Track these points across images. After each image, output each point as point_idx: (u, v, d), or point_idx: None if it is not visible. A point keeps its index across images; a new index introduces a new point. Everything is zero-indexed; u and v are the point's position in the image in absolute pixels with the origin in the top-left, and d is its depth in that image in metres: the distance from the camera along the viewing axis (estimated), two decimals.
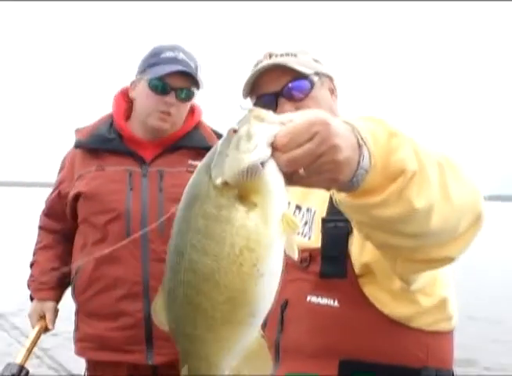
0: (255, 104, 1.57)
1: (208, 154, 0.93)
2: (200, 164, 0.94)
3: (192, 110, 2.43)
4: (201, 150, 2.33)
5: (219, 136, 2.31)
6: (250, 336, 0.92)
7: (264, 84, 1.54)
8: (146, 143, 2.35)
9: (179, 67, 2.24)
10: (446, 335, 1.42)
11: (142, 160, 2.33)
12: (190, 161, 2.31)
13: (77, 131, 2.43)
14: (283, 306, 1.42)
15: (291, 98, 1.52)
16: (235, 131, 0.90)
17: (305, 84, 1.53)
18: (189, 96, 2.31)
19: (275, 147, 0.89)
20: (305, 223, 1.47)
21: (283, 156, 0.88)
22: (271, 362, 0.95)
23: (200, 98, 2.42)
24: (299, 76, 1.52)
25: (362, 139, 0.95)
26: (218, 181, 0.88)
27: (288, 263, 0.96)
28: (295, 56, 1.54)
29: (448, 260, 1.16)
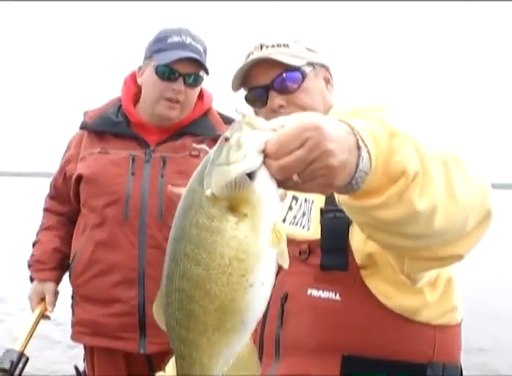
0: (247, 97, 1.56)
1: (203, 162, 0.93)
2: (195, 171, 0.94)
3: (202, 97, 2.39)
4: (207, 138, 2.29)
5: (228, 121, 2.28)
6: (241, 342, 0.94)
7: (254, 76, 1.52)
8: (152, 128, 2.33)
9: (187, 53, 2.19)
10: (453, 329, 1.39)
11: (146, 145, 2.31)
12: (194, 145, 2.24)
13: (86, 113, 2.42)
14: (282, 300, 1.38)
15: (281, 91, 1.49)
16: (227, 139, 0.90)
17: (296, 76, 1.49)
18: (198, 82, 2.27)
19: (266, 155, 0.88)
20: (303, 214, 1.43)
21: (274, 163, 0.88)
22: (259, 369, 0.97)
23: (209, 82, 2.38)
24: (289, 68, 1.48)
25: (362, 140, 0.93)
26: (208, 192, 0.89)
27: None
28: (287, 46, 1.50)
29: (457, 258, 1.15)
